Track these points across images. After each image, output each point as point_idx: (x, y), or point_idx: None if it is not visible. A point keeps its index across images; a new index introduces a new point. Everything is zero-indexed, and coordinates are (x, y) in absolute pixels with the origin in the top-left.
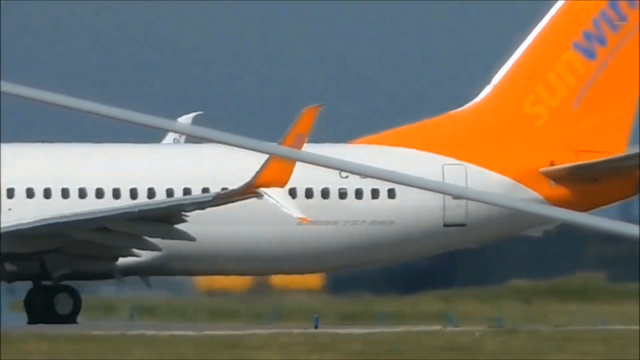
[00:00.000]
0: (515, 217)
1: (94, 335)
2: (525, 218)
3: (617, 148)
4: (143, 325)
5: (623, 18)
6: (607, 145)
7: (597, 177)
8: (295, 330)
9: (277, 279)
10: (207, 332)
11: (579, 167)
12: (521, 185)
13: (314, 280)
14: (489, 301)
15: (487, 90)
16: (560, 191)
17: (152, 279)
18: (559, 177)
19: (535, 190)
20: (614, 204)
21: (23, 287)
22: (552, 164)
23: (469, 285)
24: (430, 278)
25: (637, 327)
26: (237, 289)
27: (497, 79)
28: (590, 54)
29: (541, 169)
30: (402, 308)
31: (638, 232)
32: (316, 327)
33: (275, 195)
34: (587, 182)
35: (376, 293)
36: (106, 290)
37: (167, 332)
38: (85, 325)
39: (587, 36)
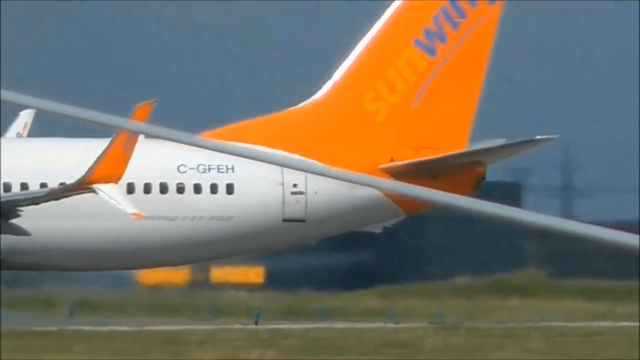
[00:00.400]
0: (355, 212)
1: (35, 330)
2: (366, 214)
3: (458, 144)
4: (83, 321)
5: (463, 15)
6: (447, 142)
7: (436, 174)
8: (236, 326)
9: (218, 275)
10: (147, 328)
11: (418, 163)
12: None
13: (254, 276)
14: (430, 298)
15: (328, 86)
16: None
17: (94, 273)
18: (398, 173)
19: None
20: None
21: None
22: (391, 160)
23: (410, 282)
24: (372, 275)
25: (577, 324)
26: (177, 284)
27: (337, 75)
28: (430, 51)
29: (381, 166)
30: (344, 304)
31: (494, 210)
32: (257, 323)
33: (108, 191)
34: (427, 179)
35: (317, 289)
36: (47, 284)
37: (107, 328)
38: (25, 321)
39: (428, 33)
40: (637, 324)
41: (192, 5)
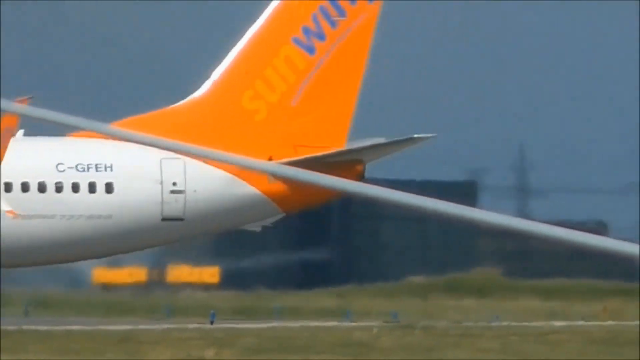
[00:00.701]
0: (234, 211)
1: None
2: (245, 212)
3: (337, 143)
4: (38, 320)
5: (342, 14)
6: (326, 140)
7: (315, 172)
8: (191, 326)
9: (174, 274)
10: (102, 327)
11: (296, 162)
12: (239, 179)
13: (210, 275)
14: (385, 297)
15: (207, 85)
16: (278, 186)
17: (48, 271)
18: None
19: (252, 185)
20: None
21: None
22: (270, 159)
23: (365, 282)
24: (327, 274)
25: (532, 324)
26: (133, 283)
27: (216, 74)
28: (309, 49)
29: None
30: (299, 304)
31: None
32: (212, 323)
33: None
34: None
35: (272, 288)
36: (2, 283)
37: (62, 327)
38: None
39: (307, 31)
40: (592, 323)
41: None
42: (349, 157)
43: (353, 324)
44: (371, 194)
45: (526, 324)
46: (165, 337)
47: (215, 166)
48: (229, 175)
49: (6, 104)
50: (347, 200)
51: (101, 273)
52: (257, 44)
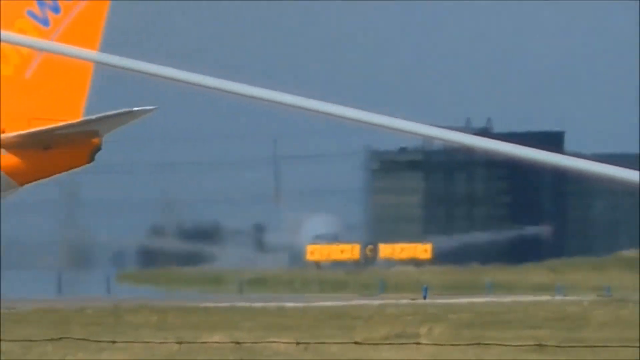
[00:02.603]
0: None
1: (206, 307)
2: None
3: (73, 115)
4: (253, 297)
5: None
6: (61, 113)
7: (49, 145)
8: (403, 301)
9: (385, 251)
10: (315, 304)
11: (29, 134)
12: None
13: (422, 251)
14: (596, 271)
15: None
16: (11, 159)
17: (264, 251)
18: (9, 145)
19: None
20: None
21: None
22: (3, 132)
23: (576, 256)
24: (538, 249)
25: None
26: (346, 260)
27: None
28: (44, 22)
29: None
30: (510, 278)
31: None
32: (425, 298)
33: None
34: (39, 150)
35: (484, 263)
36: (218, 263)
37: (276, 304)
38: (195, 297)
39: (41, 4)
40: None
41: None
42: (82, 129)
43: (565, 297)
44: (582, 168)
45: None
46: (378, 313)
47: None
48: None
49: None
50: (559, 177)
51: (315, 251)
52: None
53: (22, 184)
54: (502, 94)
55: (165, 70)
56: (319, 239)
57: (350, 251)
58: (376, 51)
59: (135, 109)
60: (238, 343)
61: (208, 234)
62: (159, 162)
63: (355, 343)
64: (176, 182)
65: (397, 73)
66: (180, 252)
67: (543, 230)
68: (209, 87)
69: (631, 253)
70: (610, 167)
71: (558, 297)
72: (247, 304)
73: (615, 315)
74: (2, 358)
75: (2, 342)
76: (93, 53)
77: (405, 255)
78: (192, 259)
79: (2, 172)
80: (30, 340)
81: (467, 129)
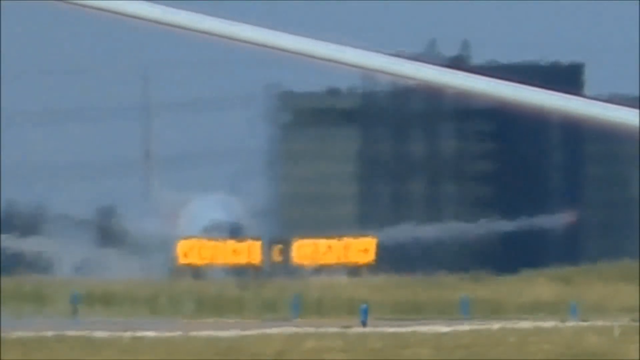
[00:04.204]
0: None
1: (18, 338)
2: None
3: None
4: (95, 321)
5: None
6: None
7: None
8: (330, 330)
9: (302, 250)
10: (192, 334)
11: None
12: None
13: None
14: (629, 282)
15: None
16: None
17: None
18: None
19: None
20: None
21: None
22: None
23: (600, 260)
24: (542, 249)
25: None
26: (240, 266)
27: None
28: None
29: None
30: (498, 294)
31: None
32: (364, 324)
33: None
34: None
35: (456, 271)
36: None
37: (129, 333)
38: (5, 323)
39: None
40: None
41: None
42: None
43: (583, 323)
44: (597, 115)
45: None
46: (292, 348)
47: None
48: None
49: None
50: (575, 135)
51: (193, 249)
52: None
53: None
54: (484, 7)
55: None
56: (211, 230)
57: (246, 252)
58: None
59: None
60: None
61: (27, 223)
62: None
63: None
64: None
65: None
66: None
67: (549, 220)
68: None
69: None
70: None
71: (571, 323)
72: (83, 333)
73: None
74: None
75: None
76: None
77: (332, 258)
78: None
79: None
80: None
81: (430, 58)
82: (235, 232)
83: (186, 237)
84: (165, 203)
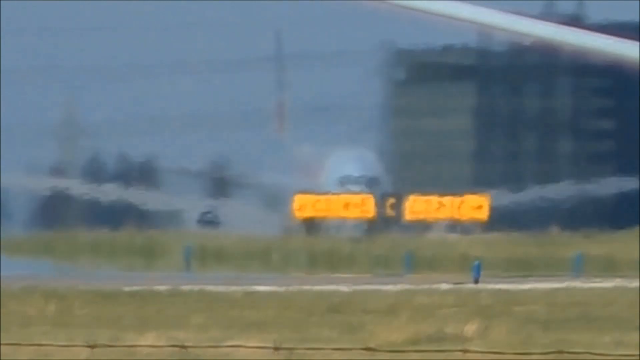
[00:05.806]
0: None
1: (131, 291)
2: None
3: None
4: (208, 276)
5: None
6: None
7: None
8: (442, 286)
9: (415, 207)
10: (304, 288)
11: None
12: None
13: (473, 208)
14: None
15: None
16: None
17: None
18: None
19: None
20: None
21: None
22: None
23: None
24: None
25: None
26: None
27: None
28: None
29: None
30: (611, 251)
31: None
32: (476, 281)
33: None
34: None
35: (569, 228)
36: None
37: (241, 288)
38: (120, 275)
39: None
40: None
41: None
42: None
43: None
44: None
45: None
46: (403, 303)
47: None
48: None
49: None
50: None
51: (307, 204)
52: None
53: None
54: None
55: None
56: (348, 184)
57: (359, 206)
58: None
59: None
60: (183, 347)
61: (138, 175)
62: (65, 62)
63: (367, 349)
64: (89, 93)
65: None
66: (93, 204)
67: None
68: None
69: None
70: None
71: None
72: (197, 287)
73: None
74: None
75: None
76: None
77: (445, 214)
78: (111, 216)
79: None
80: None
81: (547, 16)
82: (372, 186)
83: (305, 192)
84: (300, 156)
